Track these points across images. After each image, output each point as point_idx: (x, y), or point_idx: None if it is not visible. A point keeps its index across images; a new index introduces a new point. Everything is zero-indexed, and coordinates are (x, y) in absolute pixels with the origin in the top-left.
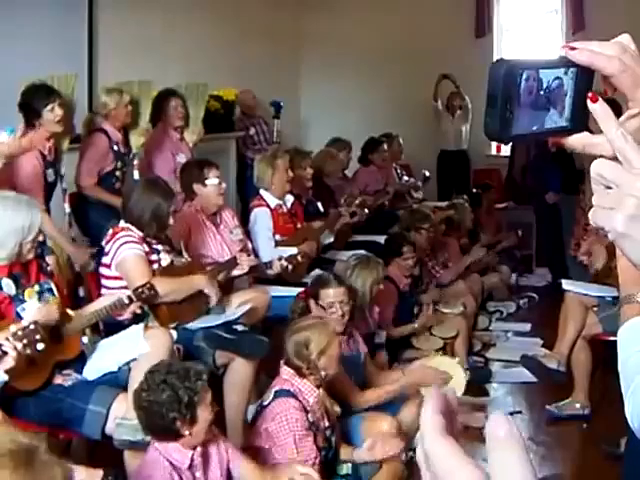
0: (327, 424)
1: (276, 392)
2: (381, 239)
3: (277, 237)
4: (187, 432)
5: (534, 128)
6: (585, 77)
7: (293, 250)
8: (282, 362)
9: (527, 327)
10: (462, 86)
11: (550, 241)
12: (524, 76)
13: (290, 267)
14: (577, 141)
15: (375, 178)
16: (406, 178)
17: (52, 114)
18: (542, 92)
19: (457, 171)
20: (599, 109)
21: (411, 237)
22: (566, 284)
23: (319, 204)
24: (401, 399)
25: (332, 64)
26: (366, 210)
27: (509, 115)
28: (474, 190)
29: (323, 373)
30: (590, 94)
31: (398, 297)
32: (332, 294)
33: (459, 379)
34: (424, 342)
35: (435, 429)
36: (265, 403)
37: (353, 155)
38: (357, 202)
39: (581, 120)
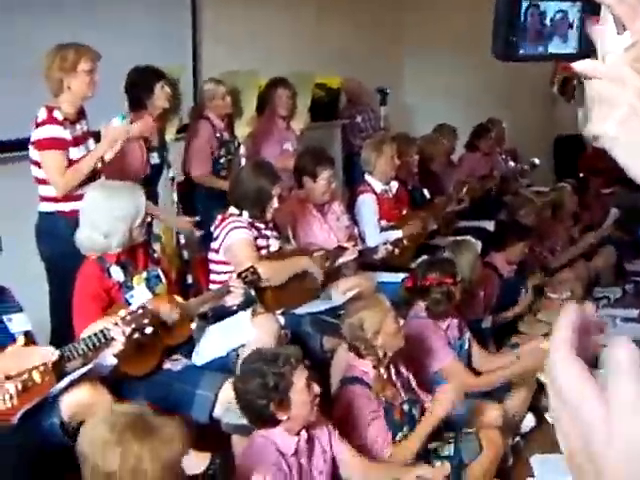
0: (404, 398)
1: (342, 380)
2: (488, 224)
3: (382, 223)
4: (284, 417)
5: (540, 50)
6: (590, 8)
7: (398, 234)
8: (346, 347)
9: (634, 313)
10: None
11: None
12: (525, 5)
13: (396, 251)
14: (583, 65)
15: (481, 164)
16: (512, 163)
17: (163, 92)
18: (546, 21)
19: (574, 155)
20: (599, 31)
21: (524, 223)
22: None
23: (425, 190)
24: (508, 384)
25: (436, 50)
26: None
27: (512, 39)
28: (581, 175)
29: (381, 352)
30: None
31: (502, 284)
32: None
33: None
34: (530, 327)
35: (564, 347)
36: (334, 392)
37: (459, 141)
38: (465, 190)
39: (586, 47)
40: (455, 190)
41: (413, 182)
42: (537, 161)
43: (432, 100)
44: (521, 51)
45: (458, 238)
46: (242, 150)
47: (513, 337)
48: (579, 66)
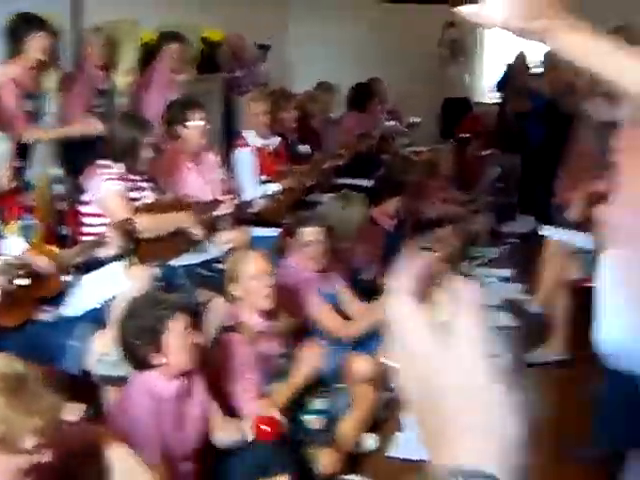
0: (281, 351)
1: (220, 328)
2: (366, 182)
3: (261, 177)
4: (160, 361)
5: None
6: None
7: (275, 188)
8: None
9: (508, 272)
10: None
11: (537, 189)
12: None
13: (272, 206)
14: (470, 11)
15: (361, 122)
16: (392, 122)
17: (37, 43)
18: None
19: (460, 117)
20: None
21: (398, 180)
22: (545, 230)
23: (304, 146)
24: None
25: (321, 7)
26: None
27: None
28: (464, 135)
29: (247, 304)
30: None
31: (384, 238)
32: (308, 233)
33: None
34: None
35: (401, 289)
36: (212, 341)
37: (342, 99)
38: (344, 147)
39: None
40: (334, 147)
41: (292, 138)
42: (417, 120)
43: (316, 57)
44: None
45: (346, 192)
46: (122, 101)
47: None
48: (464, 10)
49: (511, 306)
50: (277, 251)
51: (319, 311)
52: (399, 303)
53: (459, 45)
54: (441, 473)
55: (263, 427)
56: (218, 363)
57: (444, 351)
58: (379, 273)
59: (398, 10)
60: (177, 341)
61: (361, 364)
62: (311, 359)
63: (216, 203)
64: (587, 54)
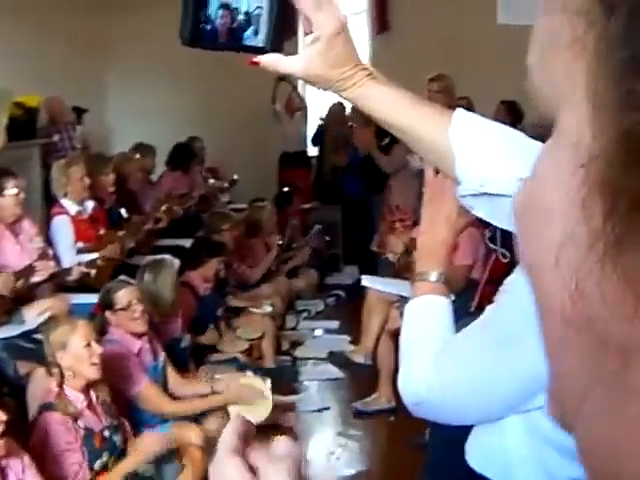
0: (105, 424)
1: (40, 406)
2: (187, 242)
3: (79, 244)
4: None
5: (230, 42)
6: (280, 3)
7: (94, 255)
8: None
9: (335, 324)
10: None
11: (359, 240)
12: None
13: (92, 272)
14: (269, 60)
15: (180, 182)
16: (212, 181)
17: None
18: (240, 14)
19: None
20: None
21: (217, 240)
22: (365, 281)
23: (123, 210)
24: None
25: (143, 67)
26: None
27: (202, 25)
28: (285, 189)
29: (73, 376)
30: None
31: (199, 301)
32: (124, 294)
33: (267, 398)
34: (229, 345)
35: (228, 448)
36: (32, 419)
37: (161, 160)
38: (163, 209)
39: (275, 42)
40: (153, 209)
41: (110, 201)
42: (235, 177)
43: (138, 118)
44: (209, 39)
45: (157, 257)
46: None
47: (212, 355)
48: (263, 60)
49: (338, 358)
50: (97, 326)
51: (141, 386)
52: (221, 457)
53: (294, 99)
54: None
55: None
56: (41, 444)
57: None
58: (194, 339)
59: (223, 65)
60: None
61: (190, 433)
62: (150, 446)
63: (30, 270)
64: (383, 106)
